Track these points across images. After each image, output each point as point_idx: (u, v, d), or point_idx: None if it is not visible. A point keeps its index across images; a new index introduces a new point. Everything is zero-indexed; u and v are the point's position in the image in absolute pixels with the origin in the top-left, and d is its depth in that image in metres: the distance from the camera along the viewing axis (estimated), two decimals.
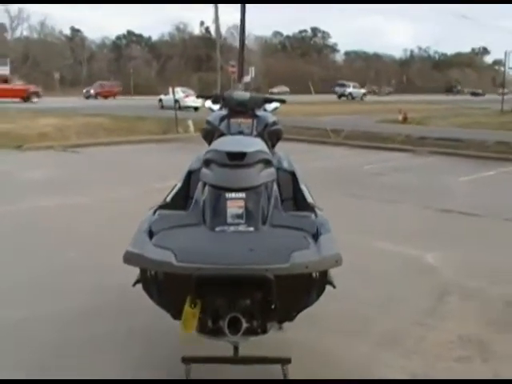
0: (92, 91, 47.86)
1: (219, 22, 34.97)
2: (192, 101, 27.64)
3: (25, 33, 70.81)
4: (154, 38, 76.99)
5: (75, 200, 6.91)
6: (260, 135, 3.25)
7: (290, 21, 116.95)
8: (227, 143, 2.67)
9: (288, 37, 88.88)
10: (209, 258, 2.15)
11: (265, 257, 2.16)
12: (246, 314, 2.22)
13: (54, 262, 4.52)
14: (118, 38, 74.88)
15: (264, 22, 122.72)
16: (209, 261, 2.14)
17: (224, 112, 3.39)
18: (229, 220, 2.36)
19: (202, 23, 62.08)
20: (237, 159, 2.45)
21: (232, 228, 2.35)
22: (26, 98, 34.88)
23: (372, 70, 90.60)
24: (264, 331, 2.34)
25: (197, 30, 67.98)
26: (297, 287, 2.31)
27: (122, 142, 14.31)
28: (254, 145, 2.66)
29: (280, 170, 3.38)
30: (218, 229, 2.35)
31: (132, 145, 14.08)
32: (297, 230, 2.36)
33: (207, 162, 2.56)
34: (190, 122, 16.99)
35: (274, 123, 3.43)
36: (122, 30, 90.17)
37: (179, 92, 28.89)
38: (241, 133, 3.23)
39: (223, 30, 59.67)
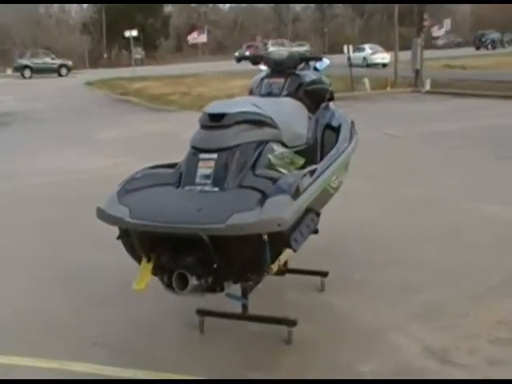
0: (248, 53, 46.31)
1: None
2: (380, 58, 26.90)
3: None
4: None
5: None
6: (291, 94, 3.23)
7: None
8: (217, 105, 2.71)
9: None
10: (154, 216, 2.28)
11: (203, 217, 2.21)
12: (193, 271, 2.30)
13: None
14: None
15: None
16: (153, 218, 2.27)
17: (265, 72, 3.42)
18: (197, 180, 2.45)
19: None
20: (216, 121, 2.51)
21: (199, 188, 2.43)
22: None
23: None
24: (222, 289, 2.42)
25: None
26: (242, 248, 2.32)
27: None
28: (243, 105, 2.66)
29: (327, 128, 3.32)
30: (186, 188, 2.45)
31: None
32: (258, 191, 2.34)
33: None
34: (366, 80, 16.71)
35: (314, 82, 3.36)
36: None
37: (366, 49, 28.26)
38: (270, 93, 3.24)
39: None
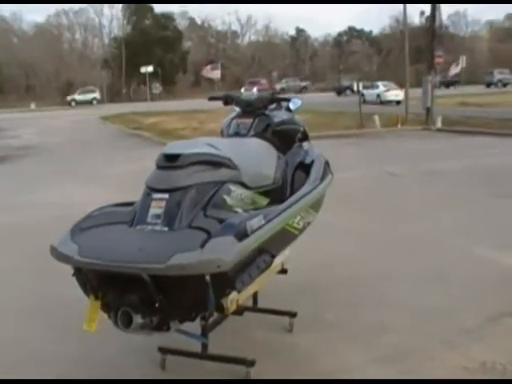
0: (255, 90, 44.31)
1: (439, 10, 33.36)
2: (394, 95, 27.12)
3: (252, 37, 75.94)
4: (376, 31, 76.48)
5: None
6: (259, 135, 3.27)
7: None
8: (174, 145, 2.75)
9: None
10: (100, 255, 2.30)
11: (145, 257, 2.23)
12: (137, 310, 2.30)
13: None
14: (340, 34, 75.96)
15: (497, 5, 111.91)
16: (99, 257, 2.29)
17: (235, 113, 3.48)
18: (148, 219, 2.47)
19: (422, 13, 59.49)
20: (170, 161, 2.55)
21: (149, 227, 2.45)
22: None
23: None
24: (168, 329, 2.42)
25: (416, 21, 65.06)
26: (184, 288, 2.32)
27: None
28: (199, 146, 2.69)
29: (299, 168, 3.34)
30: (138, 227, 2.47)
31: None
32: (205, 232, 2.35)
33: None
34: (376, 117, 16.76)
35: (283, 123, 3.39)
36: (343, 27, 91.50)
37: (380, 86, 28.47)
38: (237, 133, 3.29)
39: (444, 18, 56.31)
